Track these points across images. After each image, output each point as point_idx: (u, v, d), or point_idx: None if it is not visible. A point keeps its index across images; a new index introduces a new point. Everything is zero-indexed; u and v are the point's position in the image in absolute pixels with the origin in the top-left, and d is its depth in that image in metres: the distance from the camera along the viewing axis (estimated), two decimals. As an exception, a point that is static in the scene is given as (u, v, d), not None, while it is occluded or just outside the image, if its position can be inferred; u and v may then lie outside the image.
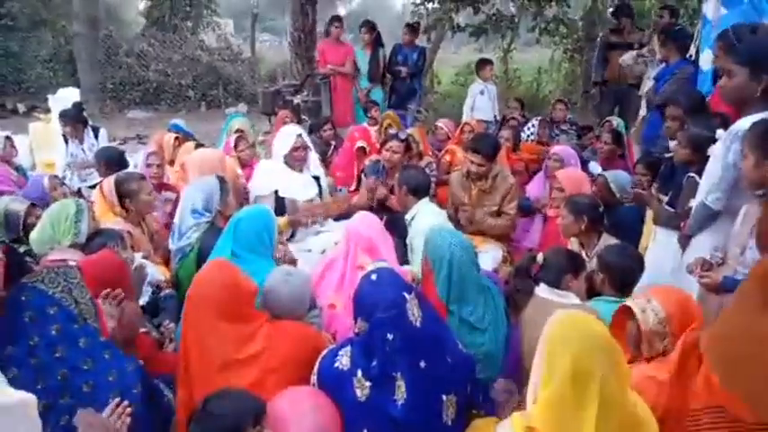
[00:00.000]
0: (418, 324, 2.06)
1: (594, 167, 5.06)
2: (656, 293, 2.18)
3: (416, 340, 2.04)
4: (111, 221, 3.36)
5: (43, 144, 6.03)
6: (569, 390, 1.62)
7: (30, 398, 1.47)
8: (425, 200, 3.72)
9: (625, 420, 1.69)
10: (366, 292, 2.14)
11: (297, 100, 7.14)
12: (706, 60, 4.36)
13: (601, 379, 1.63)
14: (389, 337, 2.00)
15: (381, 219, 3.71)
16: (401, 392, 1.99)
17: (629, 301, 2.23)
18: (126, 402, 1.83)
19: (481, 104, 7.07)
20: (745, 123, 2.54)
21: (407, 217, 3.70)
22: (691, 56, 4.76)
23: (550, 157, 4.65)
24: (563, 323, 1.73)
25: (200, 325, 2.23)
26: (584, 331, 1.71)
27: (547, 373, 1.68)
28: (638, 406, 1.77)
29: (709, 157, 2.78)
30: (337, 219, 4.25)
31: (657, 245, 3.28)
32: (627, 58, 6.14)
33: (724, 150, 2.62)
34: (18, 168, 5.07)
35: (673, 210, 3.20)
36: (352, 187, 5.11)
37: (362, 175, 4.82)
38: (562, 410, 1.63)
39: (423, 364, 2.03)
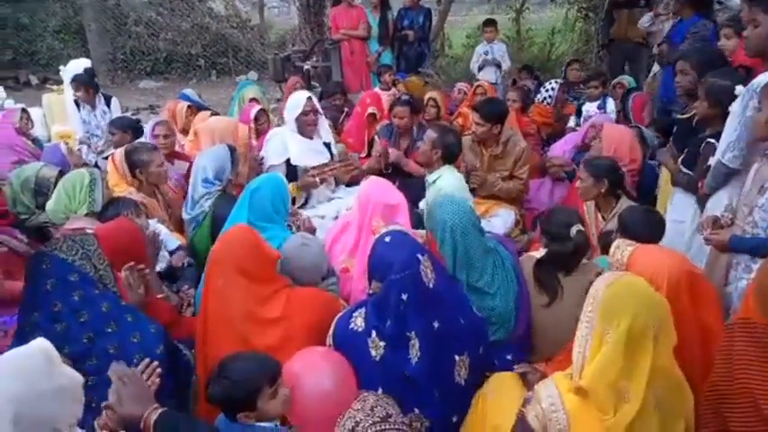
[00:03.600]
0: (431, 285, 2.09)
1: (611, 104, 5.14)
2: (645, 247, 2.16)
3: (430, 300, 2.07)
4: (124, 192, 3.40)
5: (57, 116, 6.08)
6: (625, 350, 1.63)
7: (81, 379, 1.49)
8: (450, 165, 3.68)
9: (671, 382, 1.72)
10: (380, 254, 2.17)
11: (307, 66, 7.09)
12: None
13: (653, 338, 1.65)
14: (404, 296, 2.02)
15: (394, 182, 3.70)
16: (415, 350, 2.03)
17: (623, 241, 2.23)
18: (156, 363, 1.88)
19: (485, 66, 6.98)
20: (765, 78, 2.49)
21: (430, 178, 3.64)
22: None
23: (594, 126, 4.56)
24: (616, 286, 1.71)
25: (222, 278, 2.28)
26: (639, 292, 1.72)
27: (598, 336, 1.67)
28: (676, 367, 1.78)
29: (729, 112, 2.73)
30: (349, 184, 4.27)
31: (675, 208, 3.23)
32: (645, 20, 6.01)
33: (742, 107, 2.57)
34: (35, 140, 5.11)
35: (689, 172, 3.16)
36: (363, 153, 5.10)
37: (376, 137, 4.81)
38: (616, 371, 1.64)
39: (436, 324, 2.06)
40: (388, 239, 2.19)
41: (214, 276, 2.31)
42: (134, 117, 5.66)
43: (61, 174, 3.39)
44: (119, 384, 1.74)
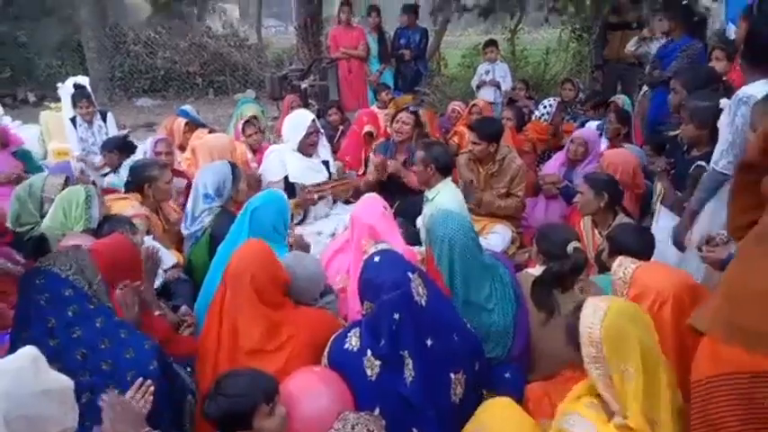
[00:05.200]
0: (423, 303, 2.08)
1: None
2: (647, 264, 2.18)
3: (422, 319, 2.07)
4: (129, 206, 3.41)
5: (54, 133, 6.09)
6: (646, 372, 1.63)
7: (71, 383, 1.52)
8: (448, 179, 3.63)
9: (670, 375, 1.73)
10: (370, 275, 2.16)
11: (304, 85, 7.13)
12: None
13: (653, 348, 1.67)
14: (396, 316, 2.02)
15: (393, 202, 3.70)
16: (409, 370, 2.02)
17: (625, 258, 2.24)
18: (149, 382, 1.87)
19: (484, 86, 7.04)
20: (749, 89, 2.55)
21: (429, 195, 3.62)
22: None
23: (573, 141, 4.56)
24: (609, 319, 1.68)
25: (238, 302, 2.29)
26: (631, 316, 1.71)
27: (618, 373, 1.65)
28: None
29: (716, 130, 2.78)
30: (347, 202, 4.28)
31: (660, 230, 3.22)
32: (631, 44, 6.11)
33: (731, 116, 2.63)
34: (16, 153, 4.92)
35: (679, 193, 3.19)
36: (360, 171, 5.12)
37: (371, 155, 4.81)
38: (651, 395, 1.64)
39: (429, 343, 2.06)
40: (377, 259, 2.19)
41: (229, 297, 2.32)
42: (123, 134, 5.66)
43: (67, 181, 3.40)
44: (109, 410, 1.74)
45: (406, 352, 2.02)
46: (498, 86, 6.95)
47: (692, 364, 1.75)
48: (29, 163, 4.86)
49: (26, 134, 6.12)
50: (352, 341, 2.15)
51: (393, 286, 2.06)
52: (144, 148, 4.55)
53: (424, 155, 3.58)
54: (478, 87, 7.07)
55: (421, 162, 3.60)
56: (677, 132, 3.48)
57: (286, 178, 4.08)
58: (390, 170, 4.28)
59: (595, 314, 1.70)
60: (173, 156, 4.39)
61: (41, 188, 3.37)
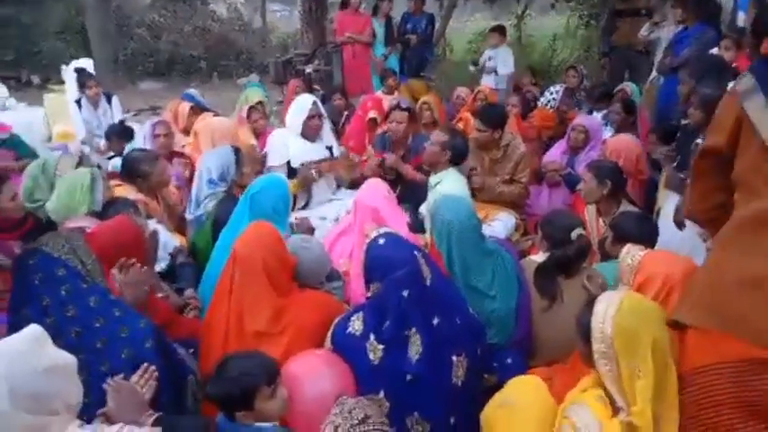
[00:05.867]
0: (428, 282, 2.09)
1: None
2: (657, 251, 2.18)
3: (429, 297, 2.07)
4: (126, 193, 3.40)
5: (59, 115, 6.08)
6: (657, 371, 1.62)
7: (74, 360, 1.53)
8: (454, 168, 3.64)
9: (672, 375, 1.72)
10: (376, 256, 2.16)
11: (308, 69, 7.12)
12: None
13: (664, 346, 1.65)
14: (404, 293, 2.02)
15: (396, 187, 3.68)
16: (416, 347, 2.02)
17: (632, 246, 2.23)
18: (153, 367, 1.88)
19: (488, 72, 7.00)
20: None
21: (432, 181, 3.62)
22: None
23: (574, 128, 4.53)
24: (621, 315, 1.66)
25: (247, 286, 2.29)
26: (643, 310, 1.70)
27: (628, 370, 1.64)
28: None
29: None
30: (351, 186, 4.27)
31: (666, 216, 3.24)
32: (643, 30, 6.05)
33: None
34: (5, 142, 4.76)
35: (681, 176, 3.18)
36: (364, 157, 5.11)
37: (370, 148, 4.81)
38: (659, 392, 1.62)
39: (435, 321, 2.06)
40: (381, 242, 2.19)
41: (237, 279, 2.31)
42: (134, 118, 5.67)
43: (80, 162, 3.42)
44: (114, 393, 1.76)
45: (413, 329, 2.02)
46: (495, 71, 6.90)
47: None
48: (20, 149, 4.77)
49: (31, 116, 6.13)
50: (356, 325, 2.15)
51: (401, 263, 2.06)
52: (143, 132, 4.54)
53: (446, 140, 3.59)
54: (480, 71, 7.03)
55: (439, 144, 3.59)
56: (688, 121, 3.46)
57: (288, 163, 4.08)
58: (388, 163, 4.23)
59: (608, 310, 1.68)
60: (172, 137, 4.38)
61: (54, 167, 3.40)
